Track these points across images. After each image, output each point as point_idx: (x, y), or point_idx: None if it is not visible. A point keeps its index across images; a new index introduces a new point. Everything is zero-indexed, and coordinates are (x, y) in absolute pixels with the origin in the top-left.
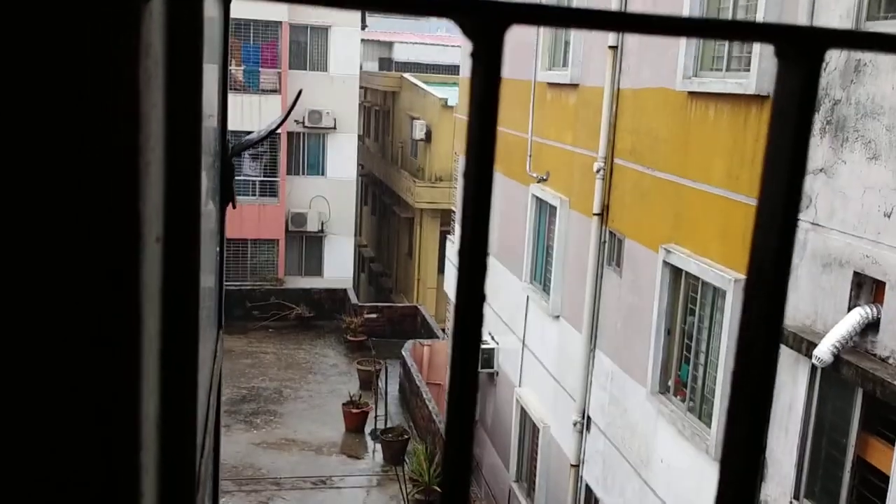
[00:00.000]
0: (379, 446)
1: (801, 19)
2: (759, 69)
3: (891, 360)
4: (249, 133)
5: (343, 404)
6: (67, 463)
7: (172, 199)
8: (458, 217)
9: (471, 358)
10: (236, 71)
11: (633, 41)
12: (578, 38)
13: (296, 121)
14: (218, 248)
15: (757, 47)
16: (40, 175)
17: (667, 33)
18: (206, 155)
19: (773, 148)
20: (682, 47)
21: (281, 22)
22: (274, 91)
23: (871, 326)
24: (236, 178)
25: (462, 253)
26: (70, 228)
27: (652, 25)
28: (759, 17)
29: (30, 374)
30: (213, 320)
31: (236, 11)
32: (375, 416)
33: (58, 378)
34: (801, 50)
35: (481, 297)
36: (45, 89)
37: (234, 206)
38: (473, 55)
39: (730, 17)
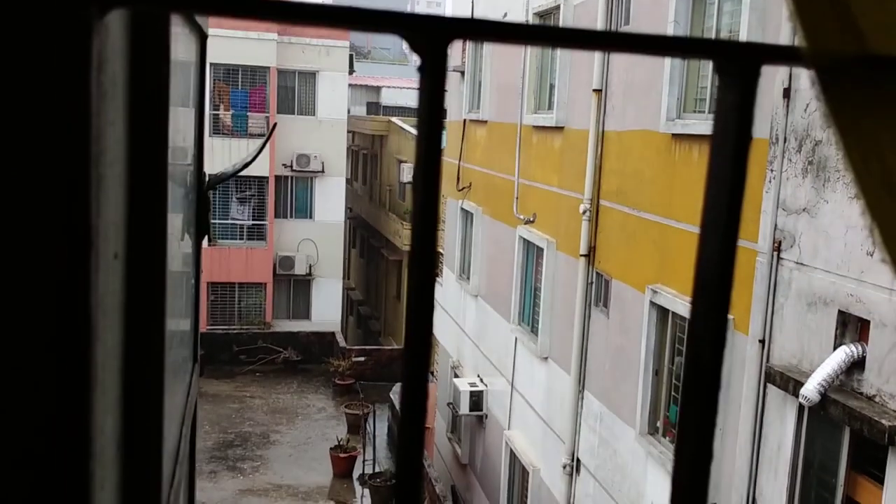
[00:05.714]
0: (367, 491)
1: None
2: None
3: (877, 399)
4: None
5: (331, 449)
6: (11, 471)
7: (135, 217)
8: (444, 255)
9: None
10: (225, 115)
11: (617, 84)
12: (563, 82)
13: (283, 164)
14: (194, 281)
15: None
16: None
17: (606, 48)
18: (182, 188)
19: (715, 160)
20: (665, 89)
21: (269, 67)
22: (262, 135)
23: (857, 365)
24: (225, 221)
25: (412, 256)
26: (16, 236)
27: (589, 40)
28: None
29: None
30: (188, 351)
31: (225, 57)
32: (364, 461)
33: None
34: (739, 65)
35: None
36: None
37: (210, 241)
38: (420, 68)
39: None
